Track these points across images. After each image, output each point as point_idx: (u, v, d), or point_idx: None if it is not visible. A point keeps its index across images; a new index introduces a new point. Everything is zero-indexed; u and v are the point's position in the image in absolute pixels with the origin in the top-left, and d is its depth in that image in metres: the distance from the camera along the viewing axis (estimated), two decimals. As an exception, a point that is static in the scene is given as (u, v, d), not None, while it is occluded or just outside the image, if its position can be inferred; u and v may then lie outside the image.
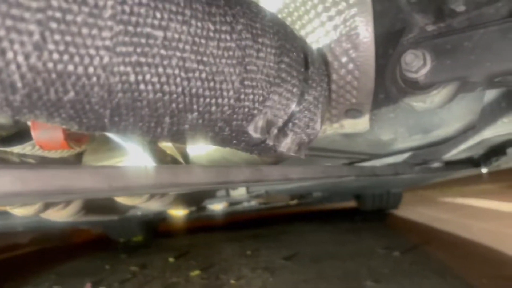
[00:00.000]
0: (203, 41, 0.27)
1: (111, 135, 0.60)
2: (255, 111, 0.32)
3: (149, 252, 3.09)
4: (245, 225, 4.05)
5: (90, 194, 0.28)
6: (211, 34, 0.27)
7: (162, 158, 0.62)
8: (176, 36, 0.26)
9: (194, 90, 0.27)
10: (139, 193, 0.68)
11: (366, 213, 3.76)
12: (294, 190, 2.17)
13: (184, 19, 0.26)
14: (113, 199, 1.12)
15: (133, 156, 0.61)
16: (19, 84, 0.21)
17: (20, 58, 0.21)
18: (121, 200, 0.99)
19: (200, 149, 0.70)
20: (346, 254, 2.27)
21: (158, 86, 0.26)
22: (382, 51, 0.70)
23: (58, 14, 0.21)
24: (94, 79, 0.23)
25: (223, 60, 0.28)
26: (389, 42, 0.71)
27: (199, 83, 0.27)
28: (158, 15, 0.25)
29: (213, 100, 0.29)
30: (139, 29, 0.24)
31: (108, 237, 3.79)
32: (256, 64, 0.30)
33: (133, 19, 0.24)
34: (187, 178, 0.40)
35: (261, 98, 0.31)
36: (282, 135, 0.35)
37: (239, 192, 1.56)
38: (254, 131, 0.32)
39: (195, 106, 0.28)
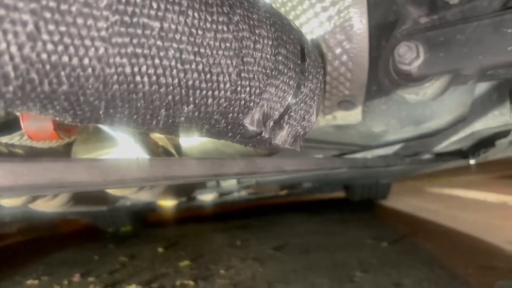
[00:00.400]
0: (200, 32, 0.26)
1: (102, 126, 0.59)
2: (252, 104, 0.31)
3: (138, 243, 3.08)
4: (234, 215, 4.06)
5: (84, 187, 0.28)
6: (208, 25, 0.27)
7: (154, 150, 0.61)
8: (173, 27, 0.25)
9: (190, 82, 0.27)
10: (133, 186, 0.68)
11: (355, 203, 3.80)
12: (285, 180, 2.18)
13: (181, 10, 0.25)
14: (103, 189, 1.11)
15: (124, 147, 0.61)
16: (12, 75, 0.20)
17: (14, 49, 0.20)
18: (111, 190, 0.98)
19: (193, 140, 0.69)
20: (335, 245, 2.29)
21: (154, 78, 0.25)
22: (375, 43, 0.70)
23: (52, 4, 0.20)
24: (89, 70, 0.23)
25: (220, 52, 0.28)
26: (382, 34, 0.70)
27: (195, 75, 0.27)
28: (154, 5, 0.24)
29: (210, 92, 0.28)
30: (135, 20, 0.23)
31: (97, 227, 3.77)
32: (253, 56, 0.30)
33: (129, 9, 0.23)
34: (181, 170, 0.40)
35: (257, 91, 0.31)
36: (278, 127, 0.34)
37: (230, 183, 1.56)
38: (250, 123, 0.32)
39: (191, 99, 0.28)
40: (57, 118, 0.25)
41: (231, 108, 0.30)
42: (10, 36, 0.20)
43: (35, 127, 0.55)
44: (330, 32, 0.58)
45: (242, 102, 0.30)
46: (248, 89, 0.30)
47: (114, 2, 0.22)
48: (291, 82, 0.33)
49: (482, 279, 1.47)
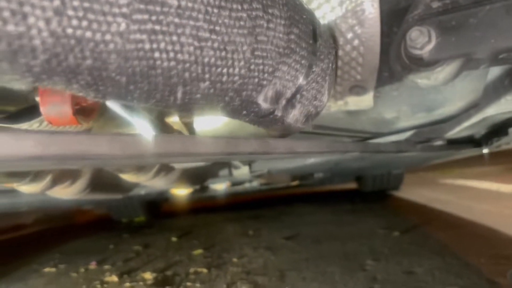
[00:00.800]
0: (215, 10, 0.27)
1: (119, 111, 0.60)
2: (265, 82, 0.32)
3: (152, 232, 3.13)
4: (246, 206, 4.09)
5: (105, 160, 0.29)
6: (223, 3, 0.28)
7: (171, 132, 0.63)
8: (190, 4, 0.26)
9: (206, 60, 0.28)
10: (151, 161, 0.69)
11: (367, 195, 3.79)
12: (296, 170, 2.18)
13: (197, -12, 0.26)
14: (118, 177, 1.13)
15: (140, 132, 0.62)
16: (40, 49, 0.22)
17: (41, 23, 0.21)
18: (127, 177, 1.00)
19: (207, 124, 0.70)
20: (346, 235, 2.30)
21: (172, 54, 0.26)
22: (387, 28, 0.70)
23: (76, -20, 0.22)
24: (111, 46, 0.24)
25: (235, 30, 0.29)
26: (394, 19, 0.71)
27: (211, 52, 0.28)
28: (172, -18, 0.25)
29: (225, 70, 0.29)
30: (154, -3, 0.24)
31: (111, 218, 3.83)
32: (267, 34, 0.31)
33: (148, -14, 0.24)
34: (197, 148, 0.41)
35: (270, 69, 0.32)
36: (290, 106, 0.35)
37: (242, 172, 1.57)
38: (263, 101, 0.33)
39: (207, 75, 0.29)
40: (81, 94, 0.27)
41: (245, 86, 0.31)
42: (38, 11, 0.21)
43: (55, 112, 0.57)
44: (342, 17, 0.59)
45: (256, 80, 0.31)
46: (261, 67, 0.31)
47: (134, -20, 0.23)
48: (303, 61, 0.34)
49: (495, 268, 1.46)
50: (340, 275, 1.57)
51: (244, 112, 0.34)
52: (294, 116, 0.36)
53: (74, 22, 0.22)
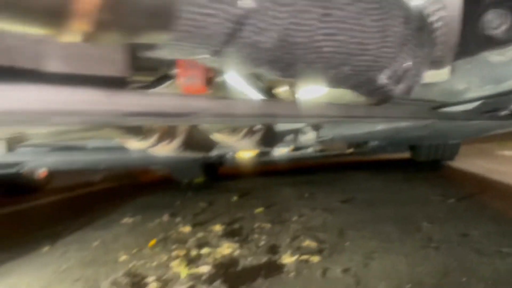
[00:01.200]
0: (362, 16, 0.40)
1: (238, 83, 0.74)
2: (387, 65, 0.44)
3: (212, 192, 3.36)
4: (298, 172, 4.23)
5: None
6: (367, 11, 0.40)
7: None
8: (349, 14, 0.38)
9: (353, 51, 0.40)
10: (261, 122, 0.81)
11: (419, 164, 3.80)
12: (358, 137, 2.27)
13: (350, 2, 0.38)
14: (206, 137, 1.30)
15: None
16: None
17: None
18: (219, 137, 1.17)
19: (313, 93, 0.83)
20: (400, 201, 2.38)
21: (341, 45, 0.39)
22: (465, 9, 0.79)
23: None
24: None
25: (372, 29, 0.41)
26: (472, 2, 0.79)
27: (359, 46, 0.40)
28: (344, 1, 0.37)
29: (361, 58, 0.42)
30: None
31: (173, 178, 4.11)
32: (392, 30, 0.42)
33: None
34: (313, 111, 0.54)
35: (392, 55, 0.44)
36: (400, 81, 0.47)
37: (309, 137, 1.69)
38: (384, 79, 0.45)
39: (351, 61, 0.41)
40: (276, 76, 0.40)
41: (372, 68, 0.43)
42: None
43: (190, 82, 0.72)
44: (429, 2, 0.68)
45: (381, 63, 0.44)
46: (387, 54, 0.43)
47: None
48: (414, 48, 0.45)
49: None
50: (397, 235, 1.68)
51: (364, 86, 0.47)
52: (401, 89, 0.48)
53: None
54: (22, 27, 0.28)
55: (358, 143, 3.05)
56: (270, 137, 1.40)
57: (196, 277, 1.40)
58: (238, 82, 0.73)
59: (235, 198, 2.92)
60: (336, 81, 0.44)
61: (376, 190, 2.79)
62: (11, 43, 0.36)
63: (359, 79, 0.44)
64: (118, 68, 0.42)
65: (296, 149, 2.74)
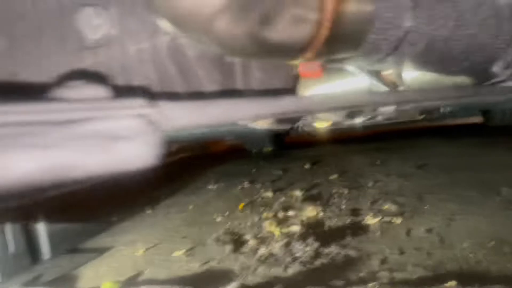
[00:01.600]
0: (482, 24, 0.51)
1: (351, 69, 0.87)
2: (500, 57, 0.55)
3: (284, 161, 3.52)
4: (367, 139, 4.27)
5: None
6: (485, 20, 0.51)
7: (387, 82, 0.88)
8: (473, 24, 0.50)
9: (474, 49, 0.52)
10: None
11: (494, 129, 3.69)
12: (431, 105, 2.29)
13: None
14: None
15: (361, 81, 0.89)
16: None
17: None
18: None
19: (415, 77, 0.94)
20: (477, 165, 2.38)
21: (467, 46, 0.51)
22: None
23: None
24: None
25: (484, 27, 0.52)
26: None
27: (479, 45, 0.52)
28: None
29: (479, 52, 0.53)
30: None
31: (243, 148, 4.31)
32: (502, 27, 0.53)
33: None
34: (423, 95, 0.66)
35: (504, 46, 0.54)
36: (509, 67, 0.58)
37: (388, 108, 1.76)
38: (497, 69, 0.56)
39: (468, 55, 0.53)
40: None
41: (488, 59, 0.55)
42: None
43: (309, 69, 0.86)
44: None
45: (495, 55, 0.55)
46: (499, 47, 0.54)
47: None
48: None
49: None
50: (475, 198, 1.74)
51: (479, 74, 0.58)
52: (507, 74, 0.58)
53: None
54: (272, 59, 0.44)
55: (429, 110, 3.03)
56: (355, 111, 1.52)
57: (289, 235, 1.57)
58: (352, 69, 0.86)
59: (307, 165, 3.06)
60: (458, 72, 0.56)
61: (450, 155, 2.80)
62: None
63: (476, 69, 0.55)
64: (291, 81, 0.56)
65: (369, 118, 2.80)
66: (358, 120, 2.97)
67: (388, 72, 0.89)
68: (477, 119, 4.04)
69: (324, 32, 0.41)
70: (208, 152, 5.03)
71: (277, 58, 0.44)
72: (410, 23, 0.45)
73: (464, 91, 0.70)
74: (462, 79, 0.68)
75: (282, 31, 0.40)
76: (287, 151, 4.18)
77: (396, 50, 0.46)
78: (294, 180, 2.62)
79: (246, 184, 2.67)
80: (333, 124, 3.09)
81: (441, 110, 3.09)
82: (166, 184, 2.99)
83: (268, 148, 4.32)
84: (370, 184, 2.25)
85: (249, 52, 0.44)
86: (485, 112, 3.68)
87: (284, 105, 0.49)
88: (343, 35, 0.43)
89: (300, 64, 0.87)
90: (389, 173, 2.46)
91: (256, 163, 3.52)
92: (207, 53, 0.53)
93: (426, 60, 0.50)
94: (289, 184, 2.53)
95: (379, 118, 3.06)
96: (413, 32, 0.46)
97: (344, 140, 4.36)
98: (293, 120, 1.54)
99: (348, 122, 3.11)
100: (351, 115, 1.63)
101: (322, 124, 3.00)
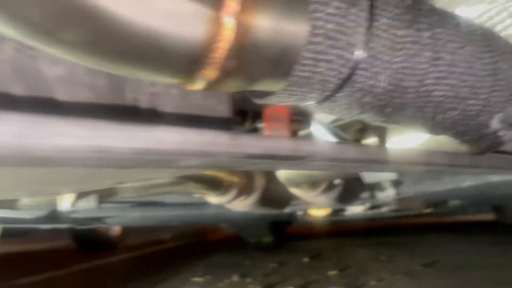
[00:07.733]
0: (473, 59, 0.38)
1: (322, 131, 0.74)
2: (497, 110, 0.41)
3: (282, 252, 3.28)
4: (373, 233, 4.03)
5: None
6: (478, 55, 0.38)
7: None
8: (457, 58, 0.37)
9: (464, 95, 0.38)
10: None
11: (508, 226, 3.46)
12: (442, 195, 2.13)
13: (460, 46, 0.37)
14: (282, 193, 1.29)
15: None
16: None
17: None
18: (297, 192, 1.15)
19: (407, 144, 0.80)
20: (492, 265, 2.15)
21: (452, 88, 0.37)
22: None
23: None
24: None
25: (483, 72, 0.39)
26: None
27: (466, 89, 0.38)
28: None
29: (472, 102, 0.39)
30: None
31: (240, 237, 4.08)
32: (502, 74, 0.40)
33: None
34: (420, 158, 0.52)
35: (503, 99, 0.41)
36: (510, 128, 0.44)
37: (387, 194, 1.61)
38: (497, 124, 0.42)
39: (461, 105, 0.39)
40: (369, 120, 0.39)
41: (481, 113, 0.41)
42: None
43: (276, 133, 0.73)
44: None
45: (491, 108, 0.41)
46: (496, 99, 0.40)
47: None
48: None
49: None
50: (494, 305, 1.50)
51: (473, 132, 0.44)
52: (510, 137, 0.44)
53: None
54: (154, 76, 0.29)
55: (437, 202, 2.86)
56: (347, 194, 1.36)
57: None
58: (323, 134, 0.73)
59: (306, 259, 2.81)
60: (443, 127, 0.41)
61: (464, 253, 2.56)
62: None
63: (468, 124, 0.41)
64: (225, 110, 0.43)
65: (371, 208, 2.63)
66: (357, 210, 2.79)
67: (371, 140, 0.75)
68: (489, 216, 3.82)
69: (228, 36, 0.27)
70: (203, 241, 4.77)
71: (146, 69, 0.28)
72: (368, 49, 0.32)
73: (459, 159, 0.55)
74: (455, 144, 0.53)
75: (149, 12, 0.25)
76: (288, 242, 3.93)
77: (347, 82, 0.33)
78: (290, 275, 2.37)
79: (235, 278, 2.42)
80: (333, 214, 2.91)
81: (450, 203, 2.92)
82: (150, 274, 2.74)
83: (268, 239, 4.08)
84: (372, 282, 2.01)
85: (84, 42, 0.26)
86: (498, 208, 3.48)
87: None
88: (260, 50, 0.29)
89: (266, 128, 0.74)
90: (394, 271, 2.21)
91: (252, 254, 3.27)
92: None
93: (393, 103, 0.36)
94: (283, 279, 2.29)
95: (385, 210, 2.89)
96: (372, 60, 0.32)
97: (348, 232, 4.11)
98: (280, 204, 1.38)
99: (351, 213, 2.93)
100: (346, 202, 1.46)
101: (318, 212, 2.82)
